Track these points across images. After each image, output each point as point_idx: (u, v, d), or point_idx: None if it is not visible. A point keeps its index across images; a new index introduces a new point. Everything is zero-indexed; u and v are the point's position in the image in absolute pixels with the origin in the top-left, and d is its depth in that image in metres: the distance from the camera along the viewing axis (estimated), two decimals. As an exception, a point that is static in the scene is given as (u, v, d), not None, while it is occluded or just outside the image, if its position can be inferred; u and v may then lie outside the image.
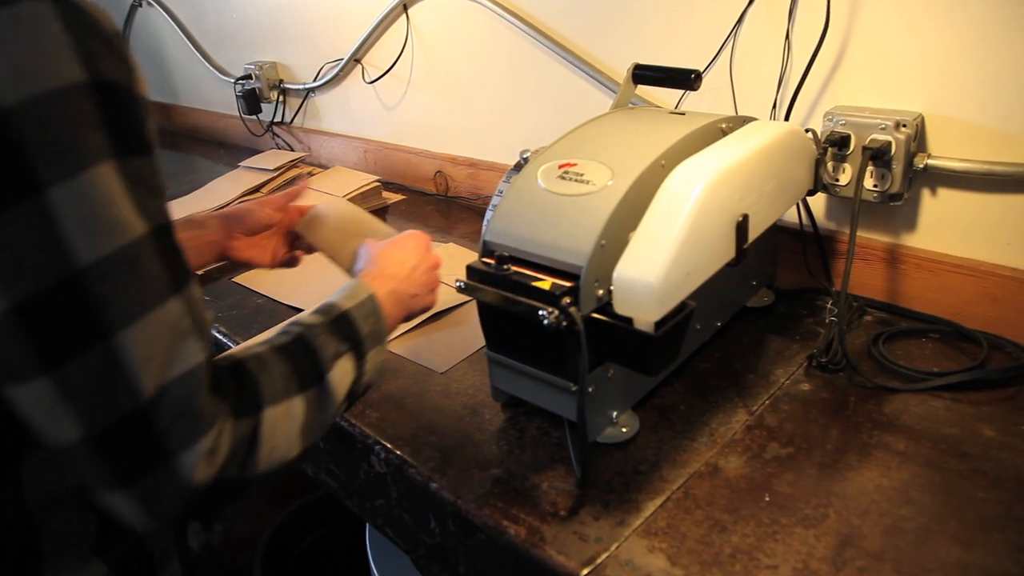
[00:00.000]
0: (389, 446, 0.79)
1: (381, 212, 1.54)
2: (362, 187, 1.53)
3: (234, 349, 0.57)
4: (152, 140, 0.49)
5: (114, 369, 0.45)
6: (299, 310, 1.11)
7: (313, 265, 1.25)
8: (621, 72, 1.20)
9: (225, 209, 0.94)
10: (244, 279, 1.24)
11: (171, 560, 0.67)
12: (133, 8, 2.46)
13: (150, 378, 0.46)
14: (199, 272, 1.15)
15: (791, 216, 1.02)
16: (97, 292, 0.45)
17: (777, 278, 1.06)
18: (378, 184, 1.56)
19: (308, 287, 1.17)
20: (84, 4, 0.45)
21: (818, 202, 1.03)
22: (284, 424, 0.54)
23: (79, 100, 0.44)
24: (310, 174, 1.74)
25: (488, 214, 0.78)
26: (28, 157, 0.42)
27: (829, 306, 0.98)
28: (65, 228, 0.43)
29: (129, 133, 0.47)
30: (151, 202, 0.48)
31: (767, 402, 0.83)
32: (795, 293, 1.04)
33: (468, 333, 1.00)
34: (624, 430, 0.77)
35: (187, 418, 0.47)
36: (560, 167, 0.74)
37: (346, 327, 0.64)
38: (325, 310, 0.65)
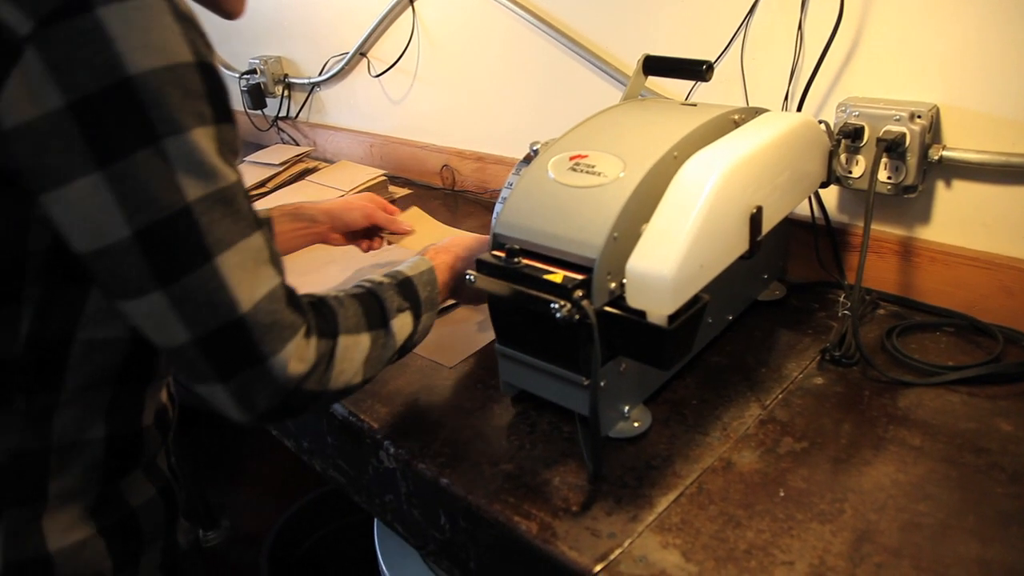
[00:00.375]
0: (398, 441, 0.79)
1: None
2: (368, 181, 1.52)
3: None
4: (232, 111, 0.58)
5: (215, 286, 0.55)
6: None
7: (314, 263, 1.25)
8: (629, 64, 1.20)
9: (333, 204, 1.07)
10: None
11: (156, 544, 0.70)
12: (137, 3, 2.45)
13: (244, 295, 0.56)
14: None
15: (802, 209, 1.01)
16: (203, 223, 0.54)
17: (788, 271, 1.05)
18: (384, 178, 1.55)
19: (315, 281, 1.17)
20: (184, 5, 0.55)
21: (830, 194, 1.02)
22: (352, 352, 0.65)
23: (188, 74, 0.53)
24: (315, 168, 1.73)
25: (498, 207, 0.77)
26: (150, 114, 0.52)
27: (842, 299, 0.97)
28: (178, 171, 0.53)
29: (220, 104, 0.56)
30: (233, 159, 0.58)
31: (780, 396, 0.82)
32: (806, 287, 1.03)
33: (476, 328, 0.99)
34: (636, 424, 0.76)
35: (275, 328, 0.57)
36: (571, 159, 0.74)
37: (408, 290, 0.75)
38: (393, 275, 0.76)
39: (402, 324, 0.72)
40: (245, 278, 0.56)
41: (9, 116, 0.50)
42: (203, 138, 0.54)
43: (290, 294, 0.60)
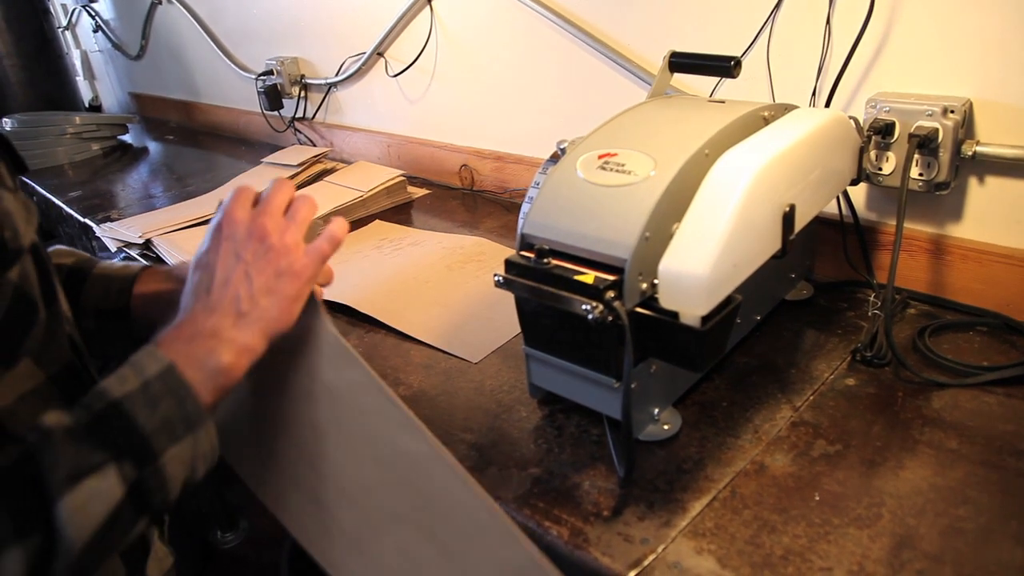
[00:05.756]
0: (424, 444, 0.78)
1: (406, 207, 1.53)
2: (387, 182, 1.51)
3: None
4: None
5: None
6: (327, 302, 1.09)
7: (333, 261, 1.24)
8: (651, 61, 1.18)
9: None
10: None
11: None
12: (153, 6, 2.46)
13: None
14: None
15: (830, 207, 0.99)
16: None
17: (816, 270, 1.03)
18: (403, 179, 1.55)
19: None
20: None
21: (857, 192, 1.00)
22: None
23: None
24: (333, 169, 1.72)
25: (525, 207, 0.76)
26: None
27: (871, 299, 0.95)
28: None
29: None
30: None
31: (811, 398, 0.80)
32: (834, 286, 1.02)
33: (499, 322, 0.98)
34: (666, 427, 0.75)
35: None
36: (600, 157, 0.72)
37: (112, 427, 0.48)
38: (87, 402, 0.49)
39: (89, 497, 0.45)
40: None
41: None
42: None
43: None
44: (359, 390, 0.61)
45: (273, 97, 1.98)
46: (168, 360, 0.52)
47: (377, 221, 1.44)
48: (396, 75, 1.65)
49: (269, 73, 1.97)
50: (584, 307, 0.64)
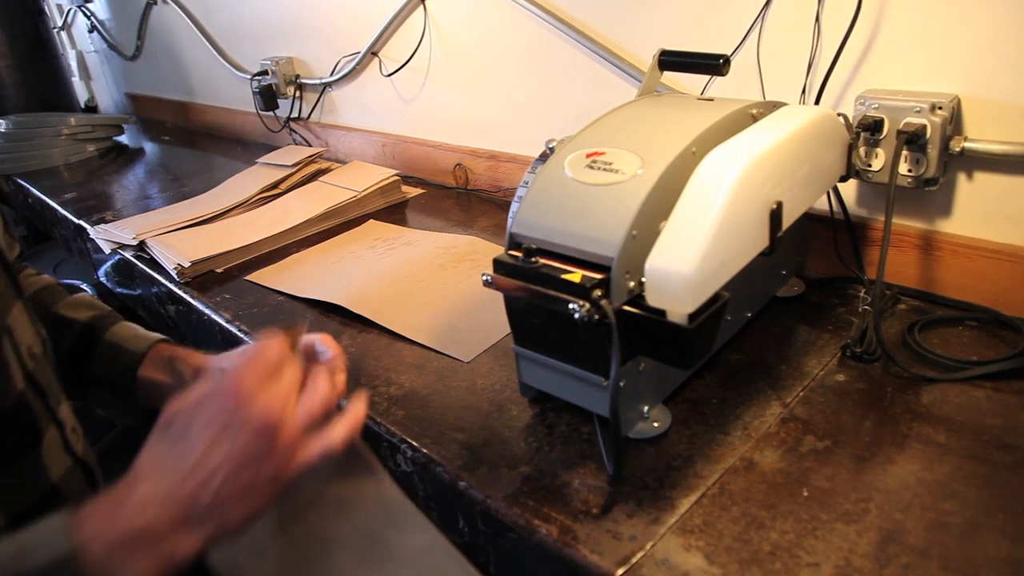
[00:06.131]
0: (415, 444, 0.78)
1: (401, 207, 1.53)
2: (381, 181, 1.52)
3: None
4: None
5: None
6: (320, 303, 1.09)
7: (327, 262, 1.25)
8: (643, 59, 1.18)
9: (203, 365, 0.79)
10: (258, 277, 1.23)
11: None
12: (148, 6, 2.46)
13: None
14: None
15: (821, 203, 1.00)
16: None
17: (807, 267, 1.03)
18: (397, 178, 1.55)
19: (325, 281, 1.16)
20: None
21: (848, 188, 1.01)
22: None
23: None
24: (328, 169, 1.72)
25: (514, 206, 0.76)
26: None
27: (862, 295, 0.95)
28: None
29: None
30: None
31: (801, 394, 0.80)
32: (825, 282, 1.02)
33: (491, 321, 0.98)
34: (656, 425, 0.76)
35: None
36: (588, 156, 0.73)
37: None
38: None
39: None
40: None
41: None
42: None
43: None
44: (424, 554, 0.61)
45: (268, 97, 1.98)
46: (70, 550, 0.44)
47: (371, 221, 1.44)
48: (390, 75, 1.66)
49: (264, 73, 1.97)
50: (571, 306, 0.64)
